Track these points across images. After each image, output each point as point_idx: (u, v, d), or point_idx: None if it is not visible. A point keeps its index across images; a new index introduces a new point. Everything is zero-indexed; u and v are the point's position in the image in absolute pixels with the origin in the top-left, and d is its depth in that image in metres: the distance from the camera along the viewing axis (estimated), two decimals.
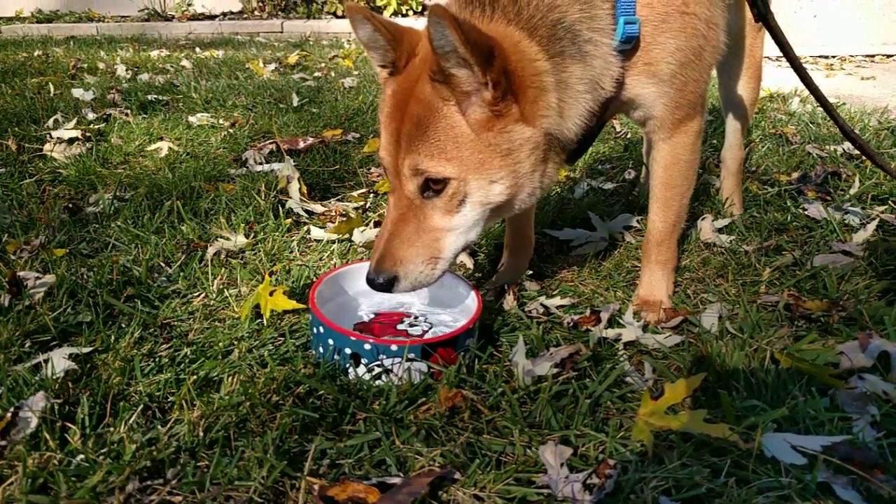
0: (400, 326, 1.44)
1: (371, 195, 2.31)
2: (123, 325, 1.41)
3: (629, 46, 1.31)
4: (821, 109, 1.82)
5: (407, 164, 1.21)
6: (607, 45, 1.28)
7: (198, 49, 6.14)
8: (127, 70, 4.52)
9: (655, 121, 1.43)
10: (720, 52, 1.45)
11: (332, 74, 4.71)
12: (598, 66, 1.28)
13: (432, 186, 1.22)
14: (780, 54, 1.65)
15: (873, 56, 6.36)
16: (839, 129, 1.77)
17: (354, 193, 2.33)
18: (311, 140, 2.82)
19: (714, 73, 1.76)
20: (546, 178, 1.31)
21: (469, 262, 1.79)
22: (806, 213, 2.06)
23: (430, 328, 1.43)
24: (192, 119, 3.18)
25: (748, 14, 1.81)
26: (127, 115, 3.21)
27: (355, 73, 4.77)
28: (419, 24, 1.34)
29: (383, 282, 1.25)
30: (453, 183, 1.21)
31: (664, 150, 1.48)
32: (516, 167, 1.23)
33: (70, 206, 2.07)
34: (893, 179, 2.16)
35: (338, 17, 8.68)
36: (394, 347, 1.23)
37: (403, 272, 1.26)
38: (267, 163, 2.60)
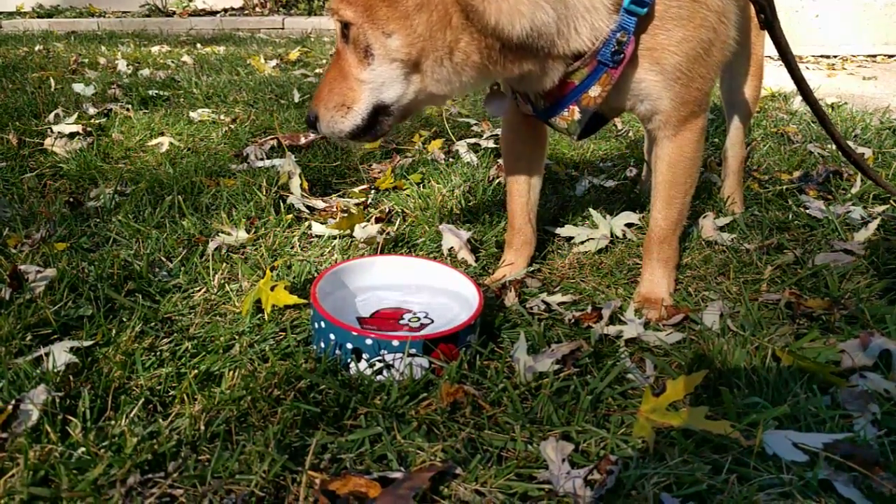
0: (401, 321, 1.44)
1: (372, 191, 2.31)
2: (124, 320, 1.41)
3: (641, 11, 1.24)
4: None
5: (332, 5, 1.28)
6: None
7: (199, 45, 6.14)
8: (128, 65, 4.52)
9: (661, 116, 1.42)
10: (730, 50, 1.41)
11: None
12: None
13: (344, 31, 1.28)
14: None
15: (875, 56, 6.36)
16: (834, 142, 1.75)
17: (355, 189, 2.33)
18: (312, 136, 2.81)
19: None
20: (458, 54, 1.24)
21: (471, 259, 1.79)
22: (807, 211, 2.06)
23: (431, 323, 1.43)
24: (193, 115, 3.18)
25: (752, 12, 1.81)
26: (128, 110, 3.21)
27: None
28: None
29: (312, 119, 1.36)
30: (353, 28, 1.25)
31: (668, 147, 1.48)
32: (408, 23, 1.21)
33: (71, 200, 2.07)
34: (890, 195, 2.14)
35: None
36: (395, 343, 1.23)
37: (320, 113, 1.34)
38: (268, 158, 2.60)
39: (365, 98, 1.30)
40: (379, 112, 1.33)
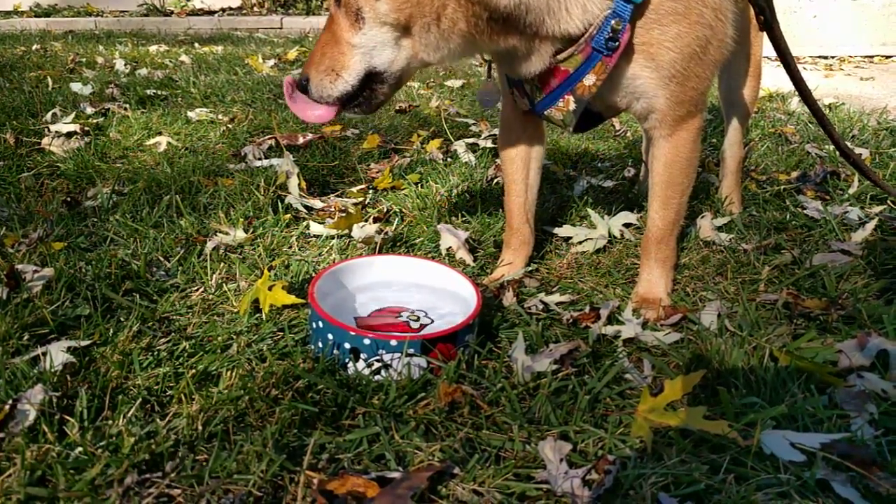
0: (399, 321, 1.44)
1: (370, 191, 2.31)
2: (122, 319, 1.40)
3: None
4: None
5: None
6: None
7: (197, 44, 6.12)
8: (125, 65, 4.51)
9: (657, 115, 1.42)
10: (727, 49, 1.41)
11: None
12: None
13: None
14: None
15: (872, 57, 6.37)
16: (833, 143, 1.75)
17: (354, 189, 2.33)
18: (310, 136, 2.81)
19: None
20: (445, 21, 1.24)
21: (469, 259, 1.79)
22: (805, 212, 2.06)
23: (430, 323, 1.43)
24: (191, 114, 3.18)
25: (751, 13, 1.81)
26: (125, 109, 3.20)
27: None
28: None
29: (303, 83, 1.36)
30: None
31: (665, 147, 1.48)
32: None
33: (68, 199, 2.07)
34: (888, 195, 2.15)
35: None
36: (393, 342, 1.22)
37: (311, 77, 1.34)
38: (266, 158, 2.60)
39: (356, 63, 1.31)
40: (371, 79, 1.34)
